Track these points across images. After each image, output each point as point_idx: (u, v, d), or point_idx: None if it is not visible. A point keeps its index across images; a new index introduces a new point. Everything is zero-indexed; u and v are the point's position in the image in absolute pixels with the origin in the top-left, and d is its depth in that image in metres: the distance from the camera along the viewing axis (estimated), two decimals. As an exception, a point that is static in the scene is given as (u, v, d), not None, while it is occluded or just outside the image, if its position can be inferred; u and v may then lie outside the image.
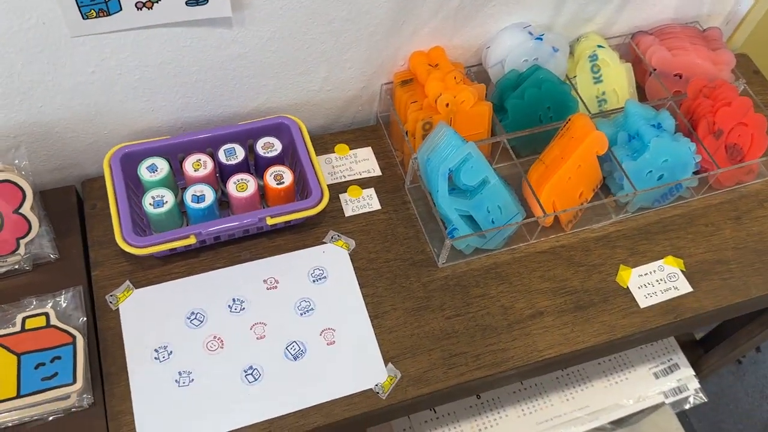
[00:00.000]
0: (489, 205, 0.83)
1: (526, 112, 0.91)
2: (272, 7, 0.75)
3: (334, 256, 0.84)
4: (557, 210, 0.85)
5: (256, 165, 0.86)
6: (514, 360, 0.78)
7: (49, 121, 0.78)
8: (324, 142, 0.94)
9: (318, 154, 0.91)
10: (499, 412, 1.16)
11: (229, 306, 0.79)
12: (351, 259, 0.84)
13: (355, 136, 0.96)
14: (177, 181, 0.84)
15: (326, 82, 0.89)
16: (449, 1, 0.84)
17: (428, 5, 0.83)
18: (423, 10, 0.83)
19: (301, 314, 0.79)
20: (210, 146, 0.85)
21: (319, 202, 0.81)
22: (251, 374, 0.74)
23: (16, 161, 0.74)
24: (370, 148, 0.95)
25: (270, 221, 0.80)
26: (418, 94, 0.89)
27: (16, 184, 0.74)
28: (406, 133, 0.88)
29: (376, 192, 0.90)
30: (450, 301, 0.81)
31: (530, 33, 0.91)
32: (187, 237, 0.77)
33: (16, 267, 0.77)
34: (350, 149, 0.94)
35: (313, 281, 0.82)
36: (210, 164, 0.81)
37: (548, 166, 0.87)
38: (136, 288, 0.79)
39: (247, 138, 0.86)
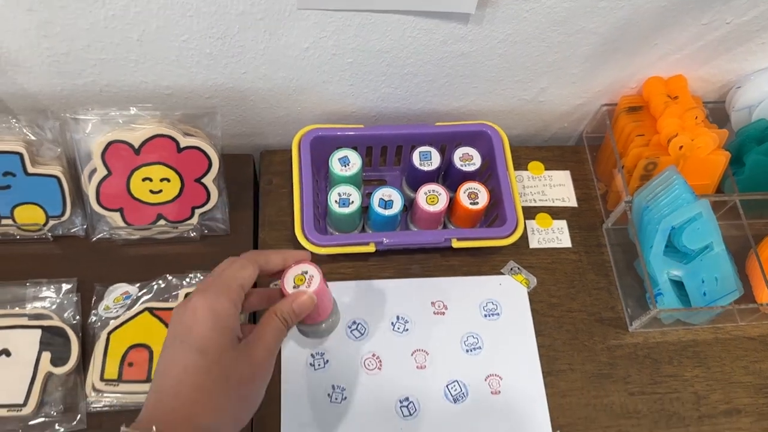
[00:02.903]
0: (705, 275, 0.71)
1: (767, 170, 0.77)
2: (518, 9, 0.64)
3: (510, 292, 0.75)
4: (787, 299, 0.72)
5: (446, 173, 0.77)
6: (700, 461, 0.68)
7: (248, 89, 0.72)
8: (517, 156, 0.84)
9: (510, 168, 0.82)
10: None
11: (392, 323, 0.72)
12: (529, 299, 0.75)
13: (553, 155, 0.85)
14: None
15: (542, 93, 0.78)
16: (716, 29, 0.70)
17: (691, 30, 0.70)
18: (683, 35, 0.70)
19: (467, 351, 0.71)
20: (402, 143, 0.77)
21: (513, 232, 0.72)
22: (407, 407, 0.68)
23: (209, 129, 0.68)
24: (568, 172, 0.84)
25: (455, 244, 0.71)
26: (646, 126, 0.77)
27: (204, 152, 0.68)
28: (622, 167, 0.76)
29: (569, 226, 0.80)
30: (636, 375, 0.71)
31: (795, 78, 0.76)
32: (366, 244, 0.70)
33: (185, 235, 0.73)
34: (545, 169, 0.84)
35: (485, 315, 0.73)
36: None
37: (786, 244, 0.73)
38: (300, 282, 0.73)
39: (442, 141, 0.77)
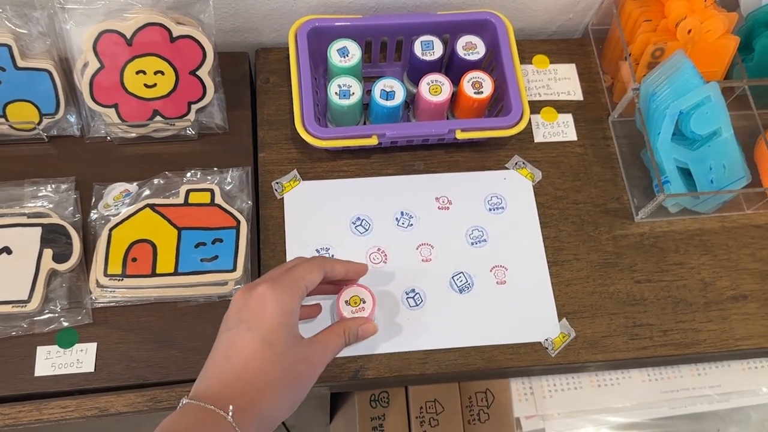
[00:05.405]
0: (713, 161, 0.70)
1: (778, 56, 0.75)
2: None
3: (515, 186, 0.74)
4: (796, 183, 0.71)
5: (449, 65, 0.75)
6: (705, 344, 0.68)
7: (239, -24, 0.69)
8: (521, 50, 0.81)
9: (514, 62, 0.79)
10: (623, 372, 1.08)
11: (396, 218, 0.71)
12: (534, 193, 0.74)
13: (558, 48, 0.82)
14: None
15: (547, -20, 0.75)
16: None
17: None
18: None
19: (472, 243, 0.71)
20: (403, 34, 0.74)
21: (518, 122, 0.70)
22: (413, 298, 0.68)
23: (202, 16, 0.66)
24: (573, 65, 0.81)
25: (459, 135, 0.70)
26: (653, 11, 0.74)
27: (198, 42, 0.66)
28: (629, 55, 0.74)
29: (574, 119, 0.78)
30: (642, 263, 0.71)
31: (809, -43, 0.73)
32: (369, 137, 0.69)
33: (183, 133, 0.72)
34: (550, 63, 0.81)
35: (489, 210, 0.73)
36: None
37: (796, 128, 0.72)
38: (303, 180, 0.72)
39: (444, 31, 0.75)
